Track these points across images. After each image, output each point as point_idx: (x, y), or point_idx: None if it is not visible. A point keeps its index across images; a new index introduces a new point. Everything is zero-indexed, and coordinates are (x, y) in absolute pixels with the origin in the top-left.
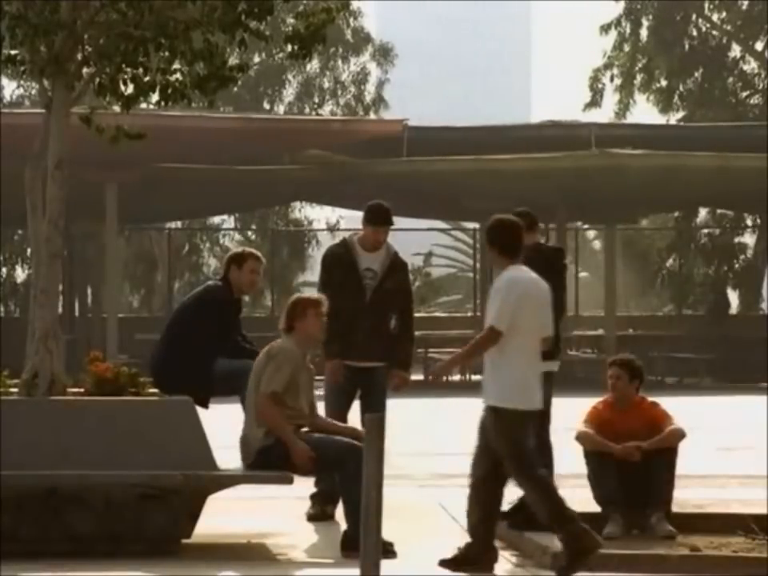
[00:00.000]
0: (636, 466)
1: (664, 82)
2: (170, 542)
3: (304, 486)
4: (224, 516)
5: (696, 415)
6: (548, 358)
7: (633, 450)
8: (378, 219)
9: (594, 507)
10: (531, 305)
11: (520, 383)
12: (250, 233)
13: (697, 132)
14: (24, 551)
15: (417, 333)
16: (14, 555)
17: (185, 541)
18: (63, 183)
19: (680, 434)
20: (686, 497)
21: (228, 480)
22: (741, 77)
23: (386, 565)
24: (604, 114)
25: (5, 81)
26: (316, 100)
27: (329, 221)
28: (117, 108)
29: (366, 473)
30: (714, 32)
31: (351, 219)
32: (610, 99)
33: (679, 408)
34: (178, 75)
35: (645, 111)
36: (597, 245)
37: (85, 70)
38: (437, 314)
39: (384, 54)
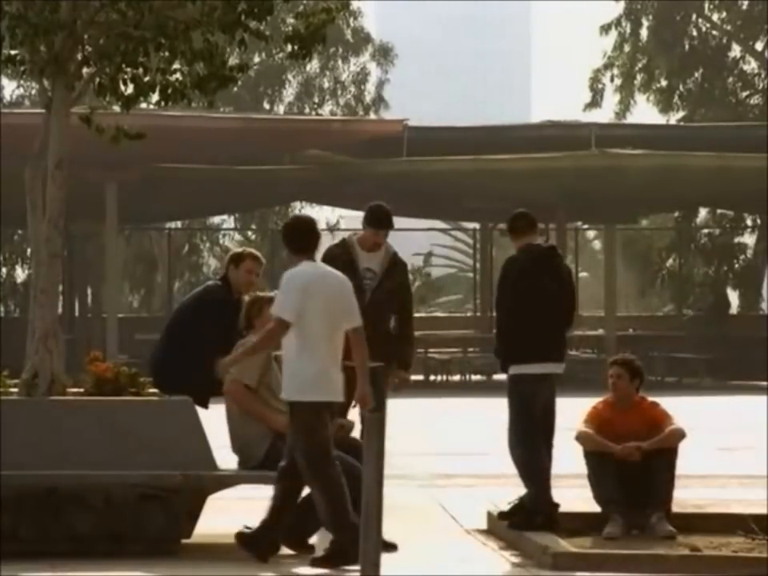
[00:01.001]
0: (636, 466)
1: (664, 82)
2: (169, 541)
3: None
4: (224, 516)
5: (696, 415)
6: (553, 360)
7: (633, 450)
8: (379, 222)
9: (594, 507)
10: (317, 296)
11: (317, 376)
12: (249, 233)
13: (697, 132)
14: (24, 551)
15: (417, 333)
16: (14, 555)
17: (185, 541)
18: (63, 183)
19: (680, 434)
20: (686, 497)
21: (228, 480)
22: (741, 77)
23: (385, 565)
24: (604, 114)
25: (5, 81)
26: (316, 100)
27: (329, 221)
28: (117, 108)
29: (366, 473)
30: (714, 32)
31: (351, 219)
32: (610, 99)
33: (679, 408)
34: (178, 75)
35: (645, 111)
36: (597, 245)
37: (85, 70)
38: (437, 314)
39: (384, 54)
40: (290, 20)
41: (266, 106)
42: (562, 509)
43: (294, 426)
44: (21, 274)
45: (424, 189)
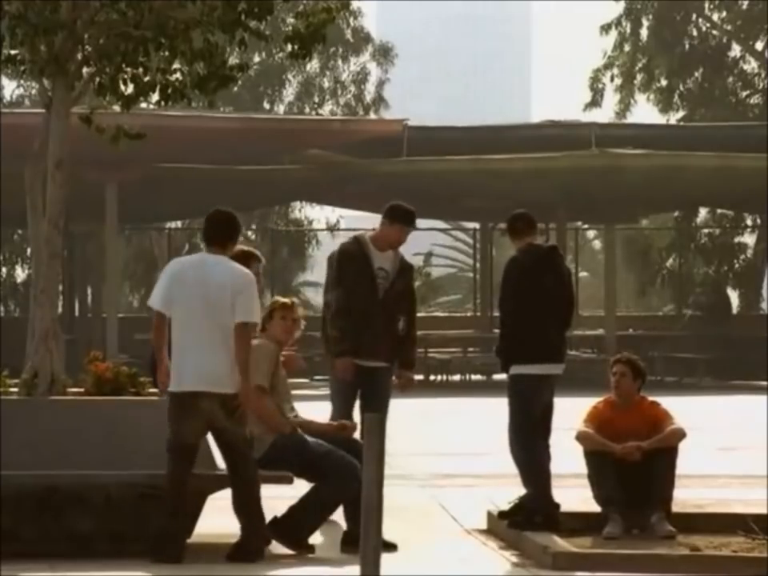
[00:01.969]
0: (636, 466)
1: (664, 82)
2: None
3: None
4: (224, 516)
5: (696, 415)
6: (554, 361)
7: (633, 450)
8: (408, 219)
9: (594, 507)
10: (184, 285)
11: (174, 365)
12: (249, 232)
13: (697, 132)
14: (24, 551)
15: (417, 333)
16: (14, 555)
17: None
18: (63, 183)
19: (680, 434)
20: (687, 497)
21: (228, 480)
22: (741, 76)
23: (385, 565)
24: (604, 114)
25: (5, 81)
26: (316, 100)
27: (329, 221)
28: (117, 108)
29: (366, 473)
30: (714, 32)
31: (351, 219)
32: (610, 99)
33: (679, 408)
34: (178, 75)
35: (645, 111)
36: (597, 245)
37: (85, 70)
38: (437, 314)
39: (384, 54)
40: (290, 20)
41: (266, 105)
42: (562, 508)
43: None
44: (21, 274)
45: (424, 189)
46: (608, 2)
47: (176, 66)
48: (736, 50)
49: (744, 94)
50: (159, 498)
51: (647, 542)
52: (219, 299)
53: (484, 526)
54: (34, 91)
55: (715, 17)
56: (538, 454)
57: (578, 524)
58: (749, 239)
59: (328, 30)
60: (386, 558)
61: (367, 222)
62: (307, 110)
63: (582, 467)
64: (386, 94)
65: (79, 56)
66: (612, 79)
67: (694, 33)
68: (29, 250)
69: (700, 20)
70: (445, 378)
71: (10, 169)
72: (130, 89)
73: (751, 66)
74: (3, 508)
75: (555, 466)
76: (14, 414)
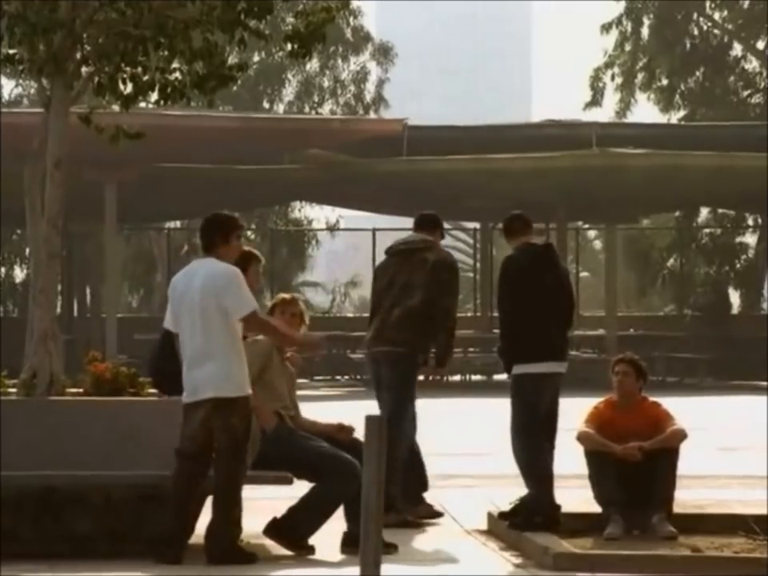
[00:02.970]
0: (637, 467)
1: (665, 81)
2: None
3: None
4: None
5: (697, 415)
6: (556, 359)
7: (634, 451)
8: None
9: (595, 507)
10: (176, 299)
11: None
12: (249, 232)
13: (698, 131)
14: (24, 551)
15: None
16: (14, 555)
17: None
18: (62, 182)
19: (682, 435)
20: (687, 497)
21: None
22: (742, 76)
23: (386, 565)
24: (605, 114)
25: (4, 80)
26: (316, 99)
27: (328, 220)
28: (116, 107)
29: (366, 473)
30: (716, 31)
31: (351, 219)
32: (611, 98)
33: (680, 408)
34: (178, 74)
35: (646, 110)
36: (597, 244)
37: (84, 69)
38: None
39: (384, 53)
40: (290, 19)
41: (266, 105)
42: (563, 509)
43: None
44: (20, 274)
45: (424, 188)
46: (609, 2)
47: (175, 65)
48: (737, 50)
49: (745, 93)
50: (160, 498)
51: (648, 542)
52: (206, 305)
53: (484, 526)
54: (32, 90)
55: (716, 16)
56: (540, 455)
57: (579, 525)
58: (750, 239)
59: (328, 30)
60: (386, 559)
61: (367, 221)
62: (307, 109)
63: (582, 468)
64: (385, 93)
65: (78, 55)
66: (613, 78)
67: (695, 32)
68: (27, 250)
69: (701, 19)
70: (445, 378)
71: (8, 168)
72: (129, 88)
73: (752, 65)
74: (3, 509)
75: (556, 467)
76: (13, 415)
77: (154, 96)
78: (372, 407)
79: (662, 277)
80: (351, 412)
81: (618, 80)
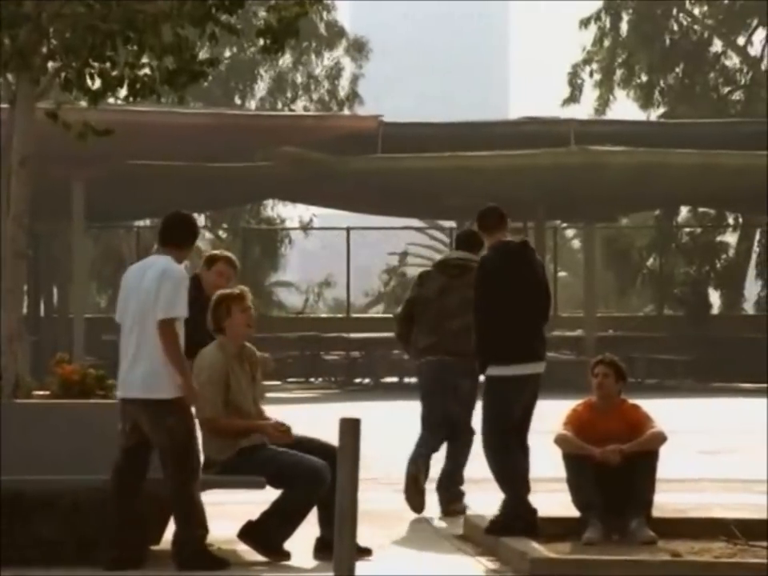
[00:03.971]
0: (616, 470)
1: (644, 78)
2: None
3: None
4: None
5: (677, 418)
6: (533, 360)
7: (613, 454)
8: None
9: (574, 512)
10: (123, 292)
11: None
12: (221, 231)
13: (678, 128)
14: None
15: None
16: None
17: (153, 548)
18: (28, 180)
19: (661, 437)
20: (667, 501)
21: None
22: (722, 72)
23: (360, 571)
24: (583, 110)
25: None
26: (288, 95)
27: (302, 219)
28: (84, 103)
29: (340, 476)
30: (696, 27)
31: (325, 218)
32: (590, 95)
33: (660, 410)
34: (147, 70)
35: (625, 107)
36: (576, 244)
37: (50, 64)
38: None
39: (358, 49)
40: (262, 13)
41: (238, 101)
42: (541, 513)
43: None
44: None
45: (399, 186)
46: None
47: (145, 60)
48: (717, 46)
49: (725, 90)
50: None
51: (627, 547)
52: (147, 303)
53: (461, 531)
54: None
55: (696, 11)
56: (514, 459)
57: (557, 529)
58: (730, 238)
59: (301, 24)
60: (360, 565)
61: (341, 220)
62: (280, 105)
63: (560, 471)
64: (360, 89)
65: (44, 50)
66: (591, 75)
67: (675, 28)
68: None
69: (681, 15)
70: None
71: None
72: (98, 84)
73: (733, 61)
74: None
75: (533, 470)
76: None
77: (123, 92)
78: (345, 409)
79: (641, 276)
80: (325, 414)
81: (597, 76)
